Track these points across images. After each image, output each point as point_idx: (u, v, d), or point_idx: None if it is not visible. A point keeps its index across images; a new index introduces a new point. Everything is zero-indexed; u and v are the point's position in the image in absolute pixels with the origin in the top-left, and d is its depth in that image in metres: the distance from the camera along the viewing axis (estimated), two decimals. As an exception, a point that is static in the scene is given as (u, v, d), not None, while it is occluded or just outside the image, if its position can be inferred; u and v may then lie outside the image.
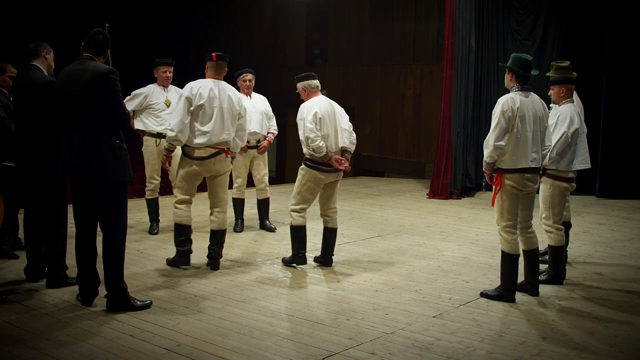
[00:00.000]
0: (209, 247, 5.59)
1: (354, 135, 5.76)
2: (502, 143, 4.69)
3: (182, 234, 5.51)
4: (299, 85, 5.65)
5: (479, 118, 10.78)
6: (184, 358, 3.66)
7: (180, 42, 17.78)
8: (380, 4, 14.39)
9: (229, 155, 5.53)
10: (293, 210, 5.64)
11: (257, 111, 7.00)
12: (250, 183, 7.38)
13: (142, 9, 16.76)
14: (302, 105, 5.59)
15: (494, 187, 4.88)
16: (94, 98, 4.27)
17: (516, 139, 4.71)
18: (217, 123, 5.37)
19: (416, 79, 13.67)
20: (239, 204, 7.19)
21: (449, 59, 10.28)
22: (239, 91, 6.93)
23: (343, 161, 5.54)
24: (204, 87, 5.37)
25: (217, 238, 5.57)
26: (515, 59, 4.87)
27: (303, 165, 5.61)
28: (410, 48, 13.83)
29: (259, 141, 7.06)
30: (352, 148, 5.72)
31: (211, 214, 5.60)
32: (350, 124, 5.74)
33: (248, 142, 6.93)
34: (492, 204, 4.91)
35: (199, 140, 5.35)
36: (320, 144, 5.41)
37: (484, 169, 4.88)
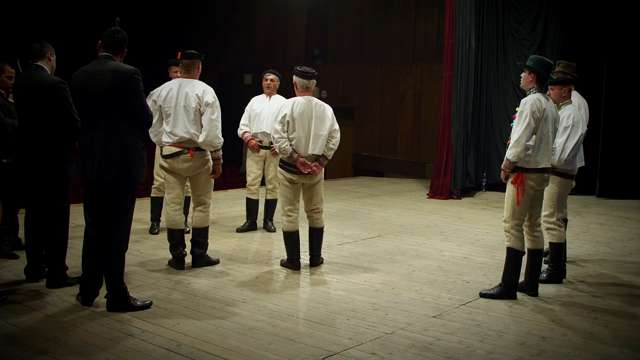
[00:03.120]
0: (191, 243, 5.62)
1: (336, 138, 5.61)
2: (531, 143, 4.75)
3: (173, 238, 5.50)
4: (294, 77, 5.61)
5: (479, 118, 10.79)
6: (184, 358, 3.66)
7: (180, 43, 17.76)
8: (380, 4, 14.39)
9: (193, 155, 5.37)
10: (282, 215, 5.63)
11: (272, 113, 6.97)
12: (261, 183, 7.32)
13: (142, 10, 16.76)
14: (280, 103, 5.62)
15: (511, 185, 4.84)
16: (117, 98, 4.25)
17: (540, 139, 4.78)
18: (175, 122, 5.36)
19: (416, 79, 13.67)
20: (249, 204, 7.16)
21: (449, 59, 10.28)
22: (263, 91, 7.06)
23: (308, 165, 5.46)
24: (165, 88, 5.45)
25: (194, 235, 5.59)
26: (537, 60, 4.88)
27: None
28: (410, 48, 13.84)
29: (272, 142, 7.03)
30: (330, 153, 5.62)
31: (193, 211, 5.63)
32: (335, 128, 5.59)
33: (261, 142, 6.94)
34: (518, 204, 4.80)
35: (164, 139, 5.43)
36: (284, 145, 5.41)
37: (504, 167, 4.86)
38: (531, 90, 4.86)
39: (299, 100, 5.51)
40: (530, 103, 4.76)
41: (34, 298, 4.61)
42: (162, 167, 5.54)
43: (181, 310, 4.47)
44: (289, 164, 5.49)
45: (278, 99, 7.11)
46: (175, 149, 5.38)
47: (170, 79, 6.82)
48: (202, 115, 5.35)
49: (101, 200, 4.36)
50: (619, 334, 4.24)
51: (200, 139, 5.35)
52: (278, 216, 7.88)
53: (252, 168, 7.06)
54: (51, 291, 4.75)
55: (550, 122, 4.83)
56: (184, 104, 5.35)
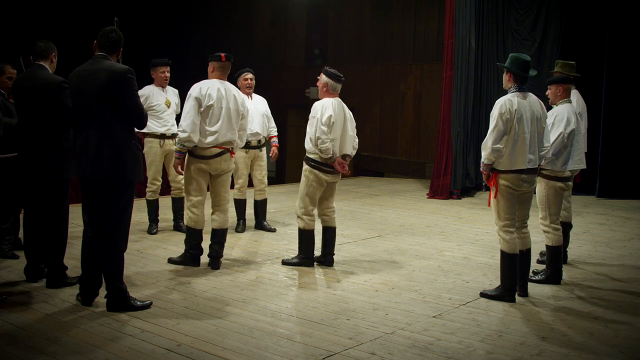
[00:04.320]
0: (210, 247, 5.60)
1: (357, 140, 5.81)
2: (500, 145, 4.69)
3: (196, 237, 5.59)
4: (325, 78, 5.57)
5: (479, 118, 10.79)
6: (184, 358, 3.66)
7: (180, 43, 17.77)
8: (380, 4, 14.39)
9: (233, 155, 5.59)
10: (304, 214, 5.64)
11: (258, 112, 6.99)
12: (249, 183, 7.38)
13: (142, 10, 16.76)
14: (317, 103, 5.54)
15: (490, 187, 4.89)
16: (111, 98, 4.24)
17: (514, 140, 4.70)
18: (224, 123, 5.42)
19: (416, 79, 13.67)
20: (240, 205, 7.19)
21: (449, 59, 10.29)
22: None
23: (344, 164, 5.60)
24: (212, 88, 5.41)
25: (218, 237, 5.58)
26: (513, 59, 4.84)
27: (306, 166, 5.61)
28: (410, 48, 13.84)
29: (259, 141, 7.05)
30: (354, 153, 5.79)
31: (213, 212, 5.62)
32: (355, 129, 5.77)
33: (249, 142, 6.94)
34: (489, 205, 4.93)
35: (206, 140, 5.39)
36: (329, 146, 5.44)
37: (481, 170, 4.89)
38: (510, 89, 4.84)
39: (335, 102, 5.54)
40: (499, 105, 4.72)
41: (34, 298, 4.61)
42: (197, 169, 5.47)
43: (181, 310, 4.47)
44: (323, 164, 5.53)
45: (258, 98, 7.11)
46: (218, 150, 5.46)
47: (152, 79, 6.80)
48: (242, 119, 5.63)
49: (98, 200, 4.36)
50: (619, 334, 4.24)
51: (238, 142, 5.67)
52: (277, 216, 7.90)
53: (243, 171, 7.07)
54: (51, 291, 4.75)
55: (528, 121, 4.73)
56: (232, 106, 5.46)
